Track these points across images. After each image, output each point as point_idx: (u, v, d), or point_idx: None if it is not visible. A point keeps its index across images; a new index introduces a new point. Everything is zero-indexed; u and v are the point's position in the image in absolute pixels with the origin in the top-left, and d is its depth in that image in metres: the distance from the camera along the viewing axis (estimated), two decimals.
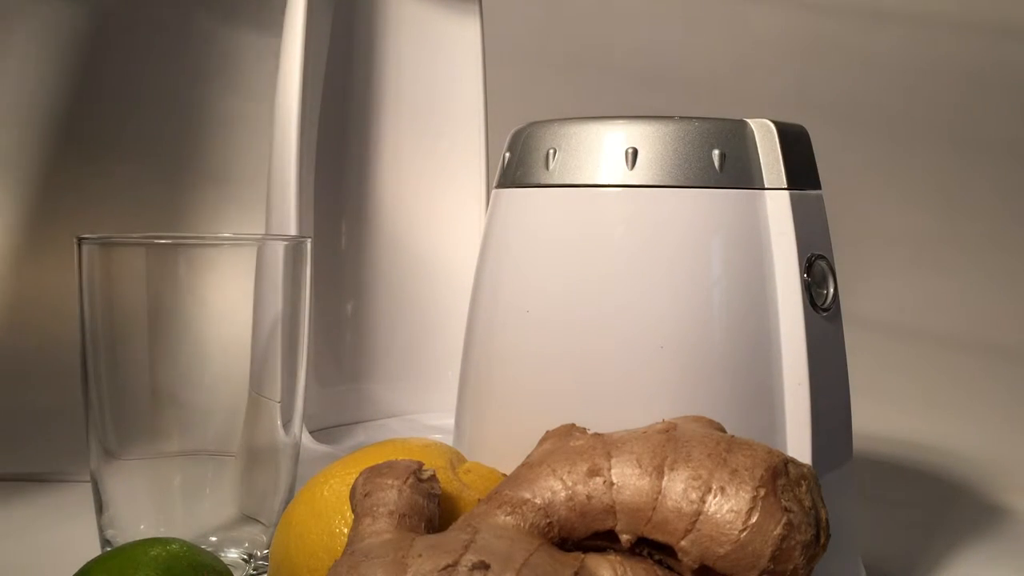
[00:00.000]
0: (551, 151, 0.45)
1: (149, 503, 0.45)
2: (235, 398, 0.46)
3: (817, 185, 0.46)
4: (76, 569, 0.36)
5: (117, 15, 0.97)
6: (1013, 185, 1.05)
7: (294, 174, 0.57)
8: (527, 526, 0.35)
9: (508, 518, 0.35)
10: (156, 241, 0.46)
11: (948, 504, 0.64)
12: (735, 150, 0.43)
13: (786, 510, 0.33)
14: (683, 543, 0.33)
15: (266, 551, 0.45)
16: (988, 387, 0.92)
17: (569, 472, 0.35)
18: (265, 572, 0.45)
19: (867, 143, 1.05)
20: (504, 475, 0.41)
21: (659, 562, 0.34)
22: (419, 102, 0.67)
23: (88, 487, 0.47)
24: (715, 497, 0.33)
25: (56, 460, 0.65)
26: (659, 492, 0.34)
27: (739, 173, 0.43)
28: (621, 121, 0.44)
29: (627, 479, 0.34)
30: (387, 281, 0.67)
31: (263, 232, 0.57)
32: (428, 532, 0.36)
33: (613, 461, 0.35)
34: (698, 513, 0.33)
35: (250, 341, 0.50)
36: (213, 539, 0.46)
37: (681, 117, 0.44)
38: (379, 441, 0.44)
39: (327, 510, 0.39)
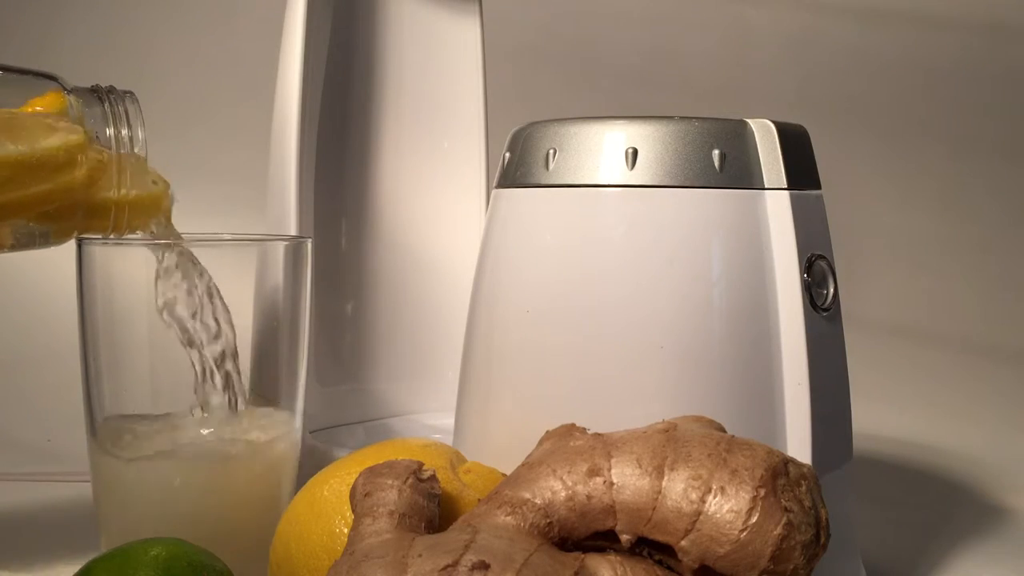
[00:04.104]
0: (551, 151, 0.45)
1: (149, 503, 0.45)
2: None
3: (817, 185, 0.46)
4: (76, 569, 0.37)
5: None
6: (1013, 185, 1.05)
7: (294, 174, 0.57)
8: (527, 526, 0.35)
9: (508, 518, 0.35)
10: (156, 241, 0.46)
11: (948, 504, 0.64)
12: (735, 150, 0.43)
13: (786, 510, 0.33)
14: (683, 543, 0.33)
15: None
16: (988, 387, 0.92)
17: (569, 472, 0.35)
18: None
19: (867, 143, 1.05)
20: (504, 475, 0.41)
21: (659, 562, 0.34)
22: (419, 102, 0.67)
23: (88, 487, 0.47)
24: (715, 497, 0.33)
25: (56, 460, 0.65)
26: (659, 492, 0.34)
27: (739, 173, 0.43)
28: (621, 121, 0.44)
29: (627, 479, 0.34)
30: (387, 281, 0.67)
31: (263, 232, 0.57)
32: (428, 532, 0.36)
33: (613, 461, 0.35)
34: (698, 513, 0.33)
35: (250, 341, 0.50)
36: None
37: (681, 117, 0.44)
38: (379, 441, 0.44)
39: (327, 510, 0.39)
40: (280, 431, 0.47)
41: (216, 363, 0.45)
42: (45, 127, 0.42)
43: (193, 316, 0.45)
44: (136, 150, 0.44)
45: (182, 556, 0.36)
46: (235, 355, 0.46)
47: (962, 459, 0.73)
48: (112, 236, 0.45)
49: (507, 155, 0.48)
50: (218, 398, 0.46)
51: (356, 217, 0.65)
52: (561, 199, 0.45)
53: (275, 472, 0.47)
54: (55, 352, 0.71)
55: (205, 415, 0.45)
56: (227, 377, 0.46)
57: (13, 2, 1.04)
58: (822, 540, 0.34)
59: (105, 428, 0.45)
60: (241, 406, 0.46)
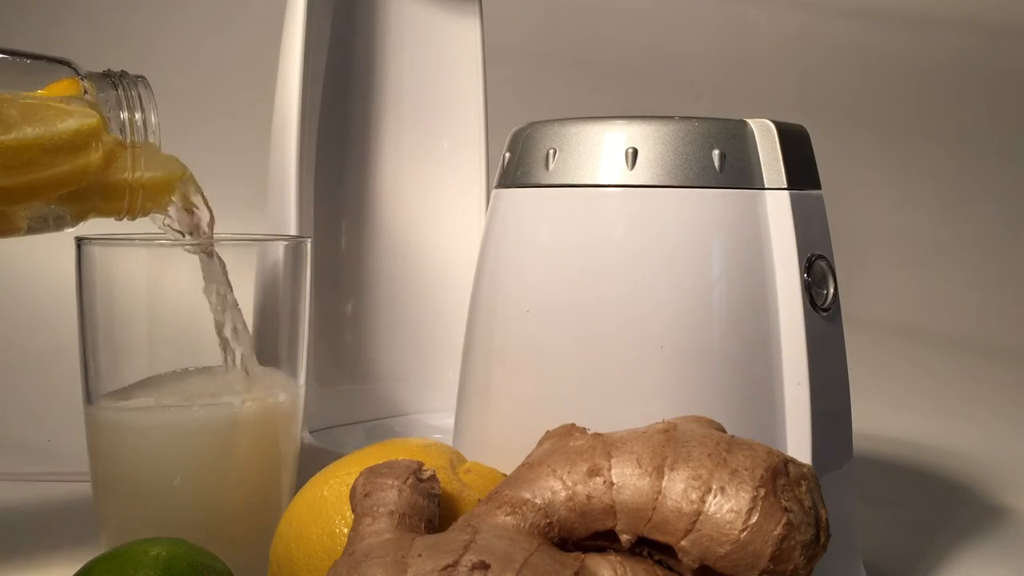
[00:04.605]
0: (551, 151, 0.45)
1: (150, 502, 0.45)
2: (235, 398, 0.46)
3: (817, 185, 0.46)
4: (76, 569, 0.37)
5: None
6: (1012, 185, 1.05)
7: (294, 174, 0.57)
8: (527, 526, 0.35)
9: (508, 518, 0.35)
10: (156, 241, 0.46)
11: (948, 504, 0.64)
12: (735, 150, 0.43)
13: (786, 510, 0.33)
14: (683, 543, 0.33)
15: None
16: (988, 387, 0.92)
17: (569, 472, 0.35)
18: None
19: (867, 143, 1.05)
20: (504, 475, 0.41)
21: (659, 562, 0.34)
22: (419, 102, 0.67)
23: (88, 487, 0.47)
24: (715, 497, 0.33)
25: (56, 460, 0.65)
26: (659, 492, 0.34)
27: (739, 173, 0.43)
28: (621, 121, 0.44)
29: (627, 479, 0.34)
30: (387, 281, 0.67)
31: (263, 232, 0.57)
32: (428, 532, 0.36)
33: (613, 461, 0.35)
34: (698, 513, 0.33)
35: None
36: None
37: (681, 117, 0.44)
38: (379, 441, 0.44)
39: (327, 510, 0.39)
40: (279, 436, 0.47)
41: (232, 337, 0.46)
42: (62, 110, 0.42)
43: (224, 296, 0.46)
44: (149, 134, 0.45)
45: (182, 556, 0.36)
46: (245, 327, 0.47)
47: (962, 459, 0.73)
48: (127, 218, 0.46)
49: (507, 155, 0.48)
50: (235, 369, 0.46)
51: (356, 217, 0.65)
52: (561, 199, 0.45)
53: (275, 459, 0.47)
54: (55, 352, 0.72)
55: (215, 377, 0.46)
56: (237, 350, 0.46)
57: (9, 12, 1.04)
58: (822, 540, 0.34)
59: (104, 407, 0.45)
60: (255, 370, 0.47)
